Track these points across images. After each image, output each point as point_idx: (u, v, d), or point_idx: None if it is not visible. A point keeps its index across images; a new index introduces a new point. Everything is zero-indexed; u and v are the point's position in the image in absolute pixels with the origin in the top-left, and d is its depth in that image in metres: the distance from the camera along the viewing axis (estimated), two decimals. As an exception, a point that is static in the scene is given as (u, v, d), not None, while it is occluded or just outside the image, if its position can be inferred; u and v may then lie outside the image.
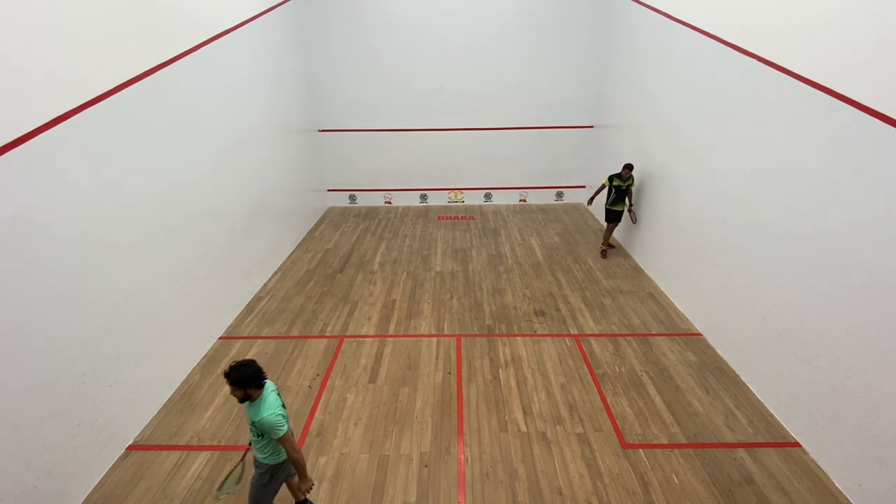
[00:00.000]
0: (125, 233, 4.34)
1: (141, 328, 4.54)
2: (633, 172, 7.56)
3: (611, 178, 7.59)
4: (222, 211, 6.16)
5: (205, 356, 5.61)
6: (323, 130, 10.58)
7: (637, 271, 7.63)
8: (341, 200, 11.29)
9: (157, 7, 4.89)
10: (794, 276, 4.35)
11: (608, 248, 8.30)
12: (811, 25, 4.19)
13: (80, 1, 3.91)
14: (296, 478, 3.24)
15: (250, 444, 3.14)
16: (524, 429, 4.48)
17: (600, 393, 4.92)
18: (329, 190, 11.16)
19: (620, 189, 7.55)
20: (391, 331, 6.12)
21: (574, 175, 11.03)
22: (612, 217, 7.89)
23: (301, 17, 9.38)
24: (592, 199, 8.38)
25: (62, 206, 3.67)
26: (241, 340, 5.94)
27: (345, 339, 5.93)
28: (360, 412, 4.71)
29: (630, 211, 7.72)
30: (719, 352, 5.52)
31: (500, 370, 5.30)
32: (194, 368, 5.39)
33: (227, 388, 4.99)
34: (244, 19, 6.84)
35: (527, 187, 11.19)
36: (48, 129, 3.54)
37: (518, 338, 5.92)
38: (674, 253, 6.66)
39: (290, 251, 8.66)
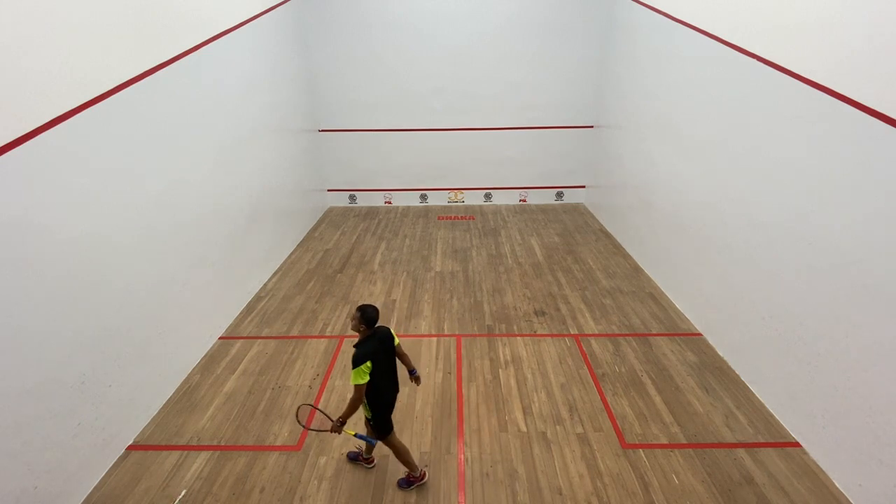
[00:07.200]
0: (125, 233, 4.35)
1: (141, 328, 4.54)
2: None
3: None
4: (222, 211, 6.16)
5: (205, 356, 5.61)
6: (323, 130, 10.57)
7: (637, 271, 7.63)
8: (341, 200, 11.29)
9: (157, 7, 4.89)
10: (794, 276, 4.35)
11: None
12: (811, 25, 4.19)
13: (80, 1, 3.91)
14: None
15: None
16: (524, 429, 4.48)
17: (600, 393, 4.92)
18: (329, 190, 11.16)
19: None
20: (391, 331, 6.12)
21: (574, 175, 11.02)
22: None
23: (301, 16, 9.37)
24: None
25: (62, 206, 3.67)
26: (241, 340, 5.93)
27: (345, 339, 5.92)
28: (360, 412, 4.69)
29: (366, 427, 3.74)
30: (719, 352, 5.52)
31: (500, 370, 5.30)
32: (194, 368, 5.39)
33: (227, 387, 5.05)
34: (244, 19, 6.84)
35: (527, 187, 11.19)
36: (48, 129, 3.54)
37: (518, 338, 5.92)
38: (674, 253, 6.66)
39: (290, 251, 8.65)
